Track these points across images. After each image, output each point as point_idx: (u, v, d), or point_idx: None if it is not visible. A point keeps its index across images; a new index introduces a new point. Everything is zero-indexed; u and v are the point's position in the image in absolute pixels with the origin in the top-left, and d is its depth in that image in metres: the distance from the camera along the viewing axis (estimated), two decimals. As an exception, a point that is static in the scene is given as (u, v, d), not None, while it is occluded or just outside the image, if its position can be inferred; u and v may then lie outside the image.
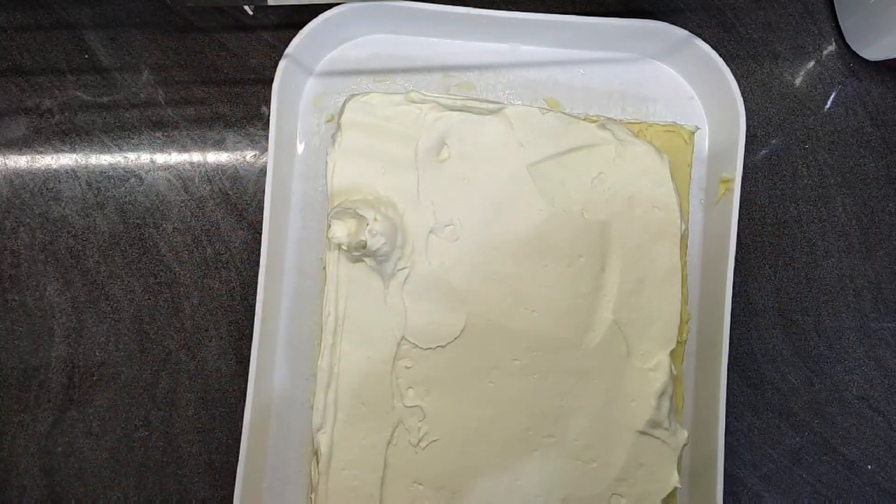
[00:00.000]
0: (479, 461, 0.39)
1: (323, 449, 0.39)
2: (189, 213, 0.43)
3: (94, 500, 0.42)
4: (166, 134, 0.44)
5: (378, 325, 0.40)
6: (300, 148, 0.43)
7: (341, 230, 0.38)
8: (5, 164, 0.44)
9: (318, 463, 0.39)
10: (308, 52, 0.42)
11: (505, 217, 0.41)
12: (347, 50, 0.44)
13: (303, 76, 0.43)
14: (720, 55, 0.42)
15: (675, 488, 0.39)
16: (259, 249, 0.40)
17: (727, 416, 0.39)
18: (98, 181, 0.44)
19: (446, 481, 0.39)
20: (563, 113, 0.42)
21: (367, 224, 0.38)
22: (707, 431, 0.40)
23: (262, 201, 0.40)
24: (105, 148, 0.44)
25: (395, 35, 0.44)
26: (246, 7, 0.43)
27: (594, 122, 0.42)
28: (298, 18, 0.41)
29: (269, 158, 0.40)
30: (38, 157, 0.44)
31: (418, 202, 0.40)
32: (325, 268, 0.40)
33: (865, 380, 0.45)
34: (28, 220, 0.43)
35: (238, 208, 0.44)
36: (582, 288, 0.40)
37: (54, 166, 0.44)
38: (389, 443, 0.39)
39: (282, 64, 0.41)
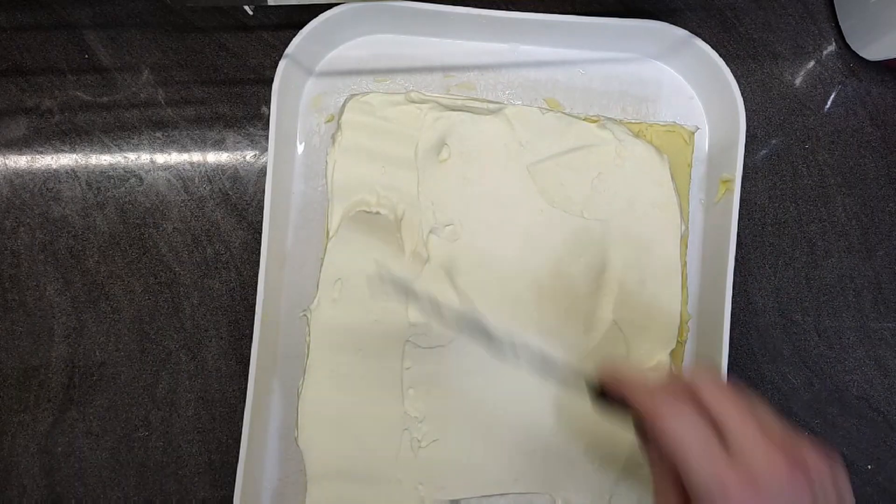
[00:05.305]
0: (479, 461, 0.39)
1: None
2: (189, 213, 0.43)
3: (94, 500, 0.42)
4: (166, 134, 0.44)
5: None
6: (300, 148, 0.43)
7: None
8: (5, 164, 0.44)
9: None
10: (308, 52, 0.42)
11: (505, 217, 0.41)
12: (347, 50, 0.44)
13: (303, 76, 0.43)
14: (720, 55, 0.42)
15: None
16: (259, 249, 0.40)
17: (727, 416, 0.39)
18: (98, 181, 0.44)
19: (447, 481, 0.39)
20: (563, 113, 0.42)
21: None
22: (707, 431, 0.40)
23: (262, 201, 0.40)
24: (105, 148, 0.44)
25: (395, 35, 0.44)
26: (246, 7, 0.43)
27: (594, 122, 0.42)
28: (298, 18, 0.41)
29: (269, 158, 0.40)
30: (38, 157, 0.44)
31: (418, 202, 0.40)
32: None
33: (865, 380, 0.45)
34: (28, 220, 0.43)
35: (238, 208, 0.44)
36: (582, 288, 0.40)
37: (54, 166, 0.44)
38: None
39: (282, 64, 0.41)
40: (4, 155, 0.44)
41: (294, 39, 0.41)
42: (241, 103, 0.45)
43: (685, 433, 0.28)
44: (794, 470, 0.27)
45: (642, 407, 0.29)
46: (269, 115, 0.41)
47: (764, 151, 0.46)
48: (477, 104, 0.41)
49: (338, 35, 0.43)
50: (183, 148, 0.44)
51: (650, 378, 0.30)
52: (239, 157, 0.44)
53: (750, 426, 0.28)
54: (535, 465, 0.39)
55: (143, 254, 0.43)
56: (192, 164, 0.44)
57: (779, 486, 0.26)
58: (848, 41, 0.46)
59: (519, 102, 0.44)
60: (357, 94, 0.42)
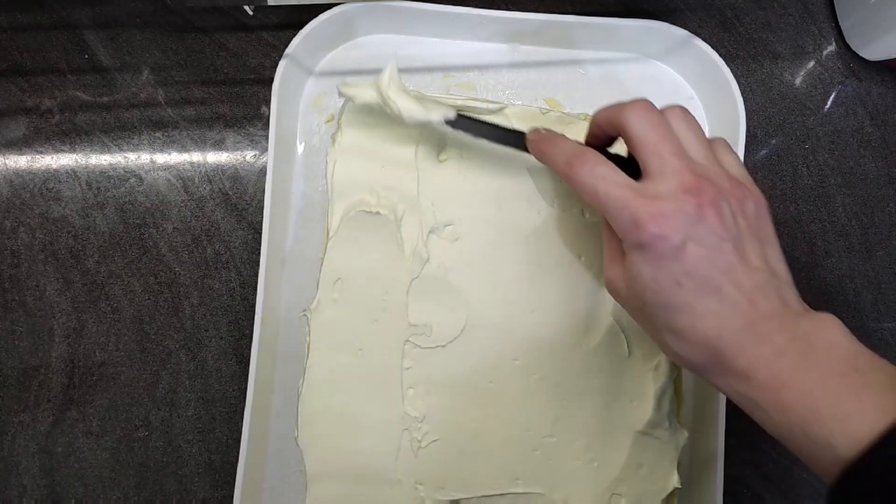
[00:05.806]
0: (479, 461, 0.39)
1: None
2: (189, 213, 0.43)
3: (94, 500, 0.42)
4: (166, 134, 0.44)
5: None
6: (300, 148, 0.43)
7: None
8: (5, 164, 0.44)
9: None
10: (308, 52, 0.42)
11: (505, 217, 0.41)
12: (347, 50, 0.44)
13: (303, 76, 0.43)
14: (720, 55, 0.42)
15: (676, 488, 0.39)
16: (259, 249, 0.40)
17: (727, 416, 0.39)
18: (98, 181, 0.44)
19: (446, 481, 0.39)
20: (563, 113, 0.42)
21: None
22: (707, 431, 0.40)
23: (262, 201, 0.40)
24: (105, 148, 0.44)
25: (395, 35, 0.44)
26: (246, 7, 0.43)
27: (594, 122, 0.42)
28: (298, 18, 0.41)
29: (269, 158, 0.40)
30: (38, 157, 0.44)
31: (418, 202, 0.40)
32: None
33: (865, 380, 0.45)
34: (28, 220, 0.43)
35: (238, 208, 0.44)
36: (582, 288, 0.40)
37: (54, 166, 0.44)
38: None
39: (282, 64, 0.41)
40: (4, 155, 0.44)
41: (294, 39, 0.41)
42: (241, 103, 0.45)
43: (592, 179, 0.29)
44: (703, 190, 0.27)
45: (556, 168, 0.30)
46: (269, 115, 0.41)
47: (764, 151, 0.46)
48: (477, 104, 0.41)
49: (338, 35, 0.43)
50: (183, 148, 0.44)
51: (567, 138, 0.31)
52: (239, 157, 0.44)
53: (664, 148, 0.28)
54: (535, 464, 0.39)
55: (143, 254, 0.43)
56: (192, 164, 0.44)
57: (684, 204, 0.27)
58: (848, 41, 0.46)
59: (519, 102, 0.44)
60: (357, 94, 0.42)
